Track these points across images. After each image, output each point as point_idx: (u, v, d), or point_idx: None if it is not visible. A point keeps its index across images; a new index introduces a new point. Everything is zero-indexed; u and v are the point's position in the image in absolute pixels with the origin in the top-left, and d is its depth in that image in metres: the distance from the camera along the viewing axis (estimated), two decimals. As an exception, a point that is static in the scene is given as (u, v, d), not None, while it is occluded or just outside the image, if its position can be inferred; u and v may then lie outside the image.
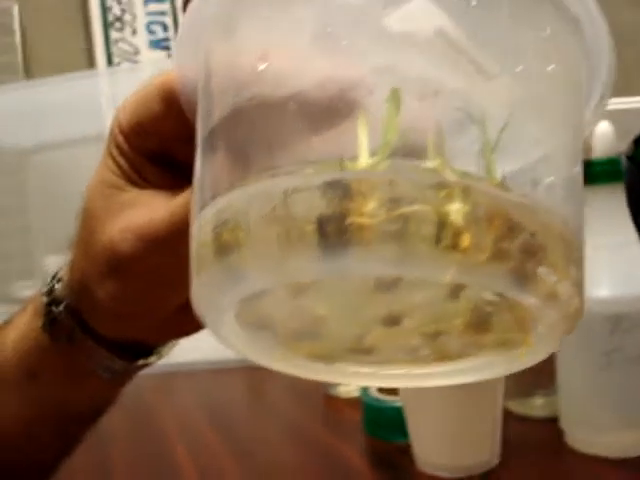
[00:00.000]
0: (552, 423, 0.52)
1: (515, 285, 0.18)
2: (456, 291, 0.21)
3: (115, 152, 0.30)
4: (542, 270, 0.19)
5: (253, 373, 0.81)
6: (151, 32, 1.60)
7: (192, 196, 0.23)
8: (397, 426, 0.52)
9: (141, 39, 1.59)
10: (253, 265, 0.19)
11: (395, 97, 0.19)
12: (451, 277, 0.18)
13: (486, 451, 0.48)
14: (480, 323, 0.22)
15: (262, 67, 0.21)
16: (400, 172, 0.18)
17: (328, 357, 0.24)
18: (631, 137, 0.62)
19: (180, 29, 0.26)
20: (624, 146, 0.61)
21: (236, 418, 0.69)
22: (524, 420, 0.56)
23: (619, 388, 0.48)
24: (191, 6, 0.25)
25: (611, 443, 0.48)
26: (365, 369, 0.25)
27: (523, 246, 0.18)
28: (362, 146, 0.18)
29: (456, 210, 0.18)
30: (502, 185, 0.19)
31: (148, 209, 0.28)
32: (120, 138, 0.30)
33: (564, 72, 0.23)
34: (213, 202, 0.20)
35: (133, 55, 1.58)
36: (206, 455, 0.58)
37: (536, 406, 0.57)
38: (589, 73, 0.24)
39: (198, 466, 0.56)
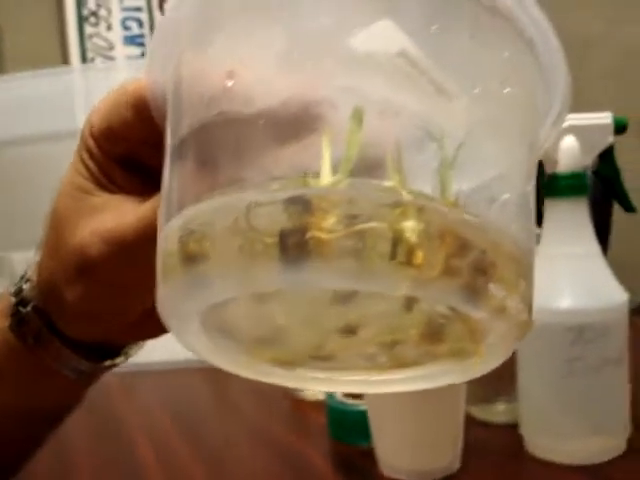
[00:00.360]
0: (513, 429, 0.53)
1: (466, 300, 0.19)
2: (410, 304, 0.21)
3: (85, 156, 0.30)
4: (492, 286, 0.19)
5: (219, 374, 0.81)
6: (126, 28, 1.59)
7: (160, 205, 0.23)
8: (361, 430, 0.53)
9: (116, 35, 1.58)
10: (218, 275, 0.19)
11: (357, 115, 0.19)
12: (405, 291, 0.19)
13: (448, 456, 0.49)
14: (434, 334, 0.23)
15: (230, 84, 0.21)
16: (359, 190, 0.19)
17: (290, 363, 0.25)
18: (596, 152, 0.64)
19: (152, 38, 0.27)
20: (589, 161, 0.62)
21: (201, 419, 0.69)
22: (486, 426, 0.57)
23: (579, 396, 0.49)
24: (164, 17, 0.26)
25: (570, 450, 0.49)
26: (325, 375, 0.25)
27: (474, 263, 0.19)
28: (325, 163, 0.19)
29: (410, 228, 0.18)
30: (456, 204, 0.20)
31: (117, 214, 0.29)
32: (91, 142, 0.30)
33: (520, 93, 0.24)
34: (180, 213, 0.21)
35: (108, 50, 1.57)
36: (170, 456, 0.58)
37: (497, 412, 0.58)
38: (546, 91, 0.25)
39: (162, 467, 0.56)
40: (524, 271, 0.21)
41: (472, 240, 0.19)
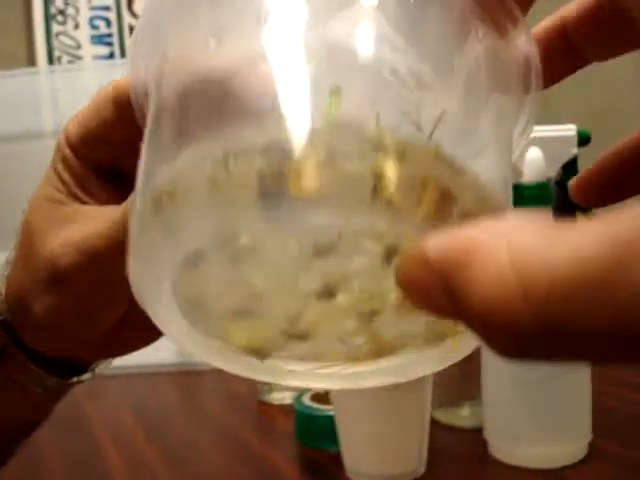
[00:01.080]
0: (478, 433, 0.54)
1: None
2: (390, 256, 0.21)
3: (60, 166, 0.30)
4: None
5: (187, 378, 0.81)
6: (94, 27, 1.58)
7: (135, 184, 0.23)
8: (328, 434, 0.53)
9: (83, 34, 1.57)
10: (192, 218, 0.19)
11: (336, 90, 0.19)
12: (387, 227, 0.18)
13: (413, 460, 0.50)
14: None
15: (213, 45, 0.22)
16: (343, 132, 0.19)
17: (264, 349, 0.24)
18: (559, 163, 0.65)
19: (132, 37, 0.27)
20: (553, 171, 0.64)
21: (168, 423, 0.69)
22: (451, 430, 0.58)
23: (541, 402, 0.50)
24: (143, 15, 0.26)
25: (532, 454, 0.51)
26: (299, 366, 0.25)
27: (457, 213, 0.19)
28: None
29: (392, 168, 0.18)
30: (438, 153, 0.20)
31: (89, 223, 0.29)
32: (67, 151, 0.30)
33: (503, 97, 0.24)
34: (152, 177, 0.21)
35: (75, 49, 1.56)
36: (136, 459, 0.58)
37: (463, 416, 0.59)
38: (518, 99, 0.25)
39: (129, 471, 0.56)
40: None
41: (455, 190, 0.19)
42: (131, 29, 1.61)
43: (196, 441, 0.63)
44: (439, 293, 0.15)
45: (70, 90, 1.33)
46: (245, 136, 0.19)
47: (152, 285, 0.22)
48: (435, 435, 0.52)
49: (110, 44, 1.60)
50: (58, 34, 1.55)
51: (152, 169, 0.22)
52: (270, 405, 0.68)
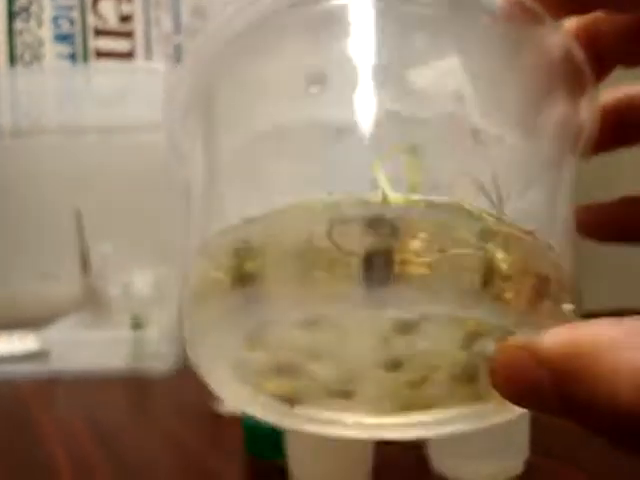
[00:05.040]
0: (421, 448, 0.56)
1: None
2: (471, 341, 0.20)
3: None
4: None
5: (139, 385, 0.81)
6: (57, 26, 1.56)
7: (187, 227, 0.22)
8: (276, 446, 0.54)
9: (46, 32, 1.55)
10: (280, 293, 0.18)
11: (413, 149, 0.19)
12: (497, 322, 0.18)
13: (358, 473, 0.51)
14: (469, 374, 0.22)
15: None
16: (446, 213, 0.18)
17: (296, 399, 0.23)
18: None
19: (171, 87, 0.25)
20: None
21: (118, 429, 0.69)
22: (396, 444, 0.59)
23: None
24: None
25: (473, 469, 0.52)
26: (328, 415, 0.24)
27: (552, 295, 0.19)
28: (383, 181, 0.18)
29: (503, 258, 0.17)
30: (532, 234, 0.19)
31: None
32: None
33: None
34: (223, 226, 0.19)
35: (37, 47, 1.54)
36: (85, 466, 0.58)
37: (408, 431, 0.60)
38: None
39: (76, 476, 0.56)
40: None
41: (551, 276, 0.19)
42: (94, 30, 1.60)
43: (145, 448, 0.63)
44: (548, 390, 0.14)
45: (30, 90, 1.33)
46: (344, 203, 0.18)
47: (209, 351, 0.21)
48: (380, 449, 0.53)
49: (73, 43, 1.59)
50: (21, 32, 1.53)
51: (216, 220, 0.20)
52: (221, 416, 0.69)
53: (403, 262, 0.17)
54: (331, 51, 0.21)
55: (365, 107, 0.20)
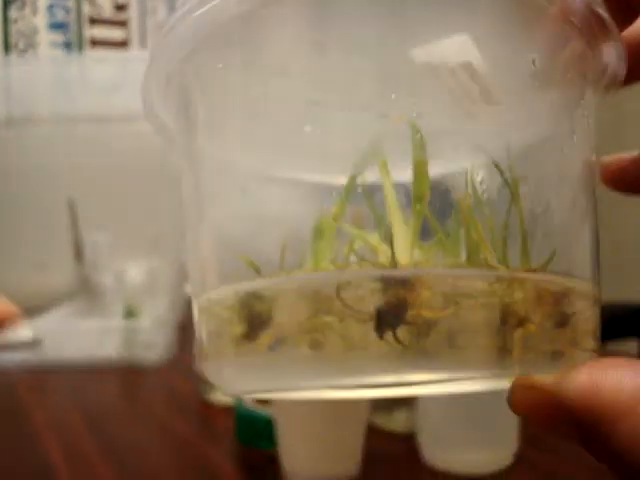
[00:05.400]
0: (412, 438, 0.56)
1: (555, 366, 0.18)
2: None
3: None
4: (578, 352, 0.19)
5: (130, 373, 0.81)
6: (52, 14, 1.56)
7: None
8: (267, 435, 0.54)
9: (41, 20, 1.55)
10: (299, 363, 0.18)
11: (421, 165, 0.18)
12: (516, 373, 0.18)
13: (348, 464, 0.51)
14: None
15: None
16: (460, 270, 0.18)
17: None
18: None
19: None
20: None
21: (110, 418, 0.69)
22: (387, 434, 0.60)
23: (470, 409, 0.52)
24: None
25: (463, 460, 0.52)
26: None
27: (568, 332, 0.19)
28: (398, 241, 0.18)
29: (521, 304, 0.17)
30: (540, 271, 0.19)
31: None
32: None
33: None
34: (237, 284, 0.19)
35: (31, 36, 1.54)
36: (78, 454, 0.58)
37: (398, 421, 0.61)
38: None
39: (69, 464, 0.56)
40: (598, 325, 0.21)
41: (564, 308, 0.19)
42: (89, 18, 1.60)
43: (137, 437, 0.63)
44: (567, 427, 0.14)
45: (24, 78, 1.32)
46: (354, 266, 0.18)
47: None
48: (371, 439, 0.53)
49: (67, 32, 1.58)
50: (16, 20, 1.52)
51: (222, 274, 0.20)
52: (212, 404, 0.69)
53: (421, 321, 0.17)
54: (332, 25, 0.21)
55: (368, 79, 0.20)
